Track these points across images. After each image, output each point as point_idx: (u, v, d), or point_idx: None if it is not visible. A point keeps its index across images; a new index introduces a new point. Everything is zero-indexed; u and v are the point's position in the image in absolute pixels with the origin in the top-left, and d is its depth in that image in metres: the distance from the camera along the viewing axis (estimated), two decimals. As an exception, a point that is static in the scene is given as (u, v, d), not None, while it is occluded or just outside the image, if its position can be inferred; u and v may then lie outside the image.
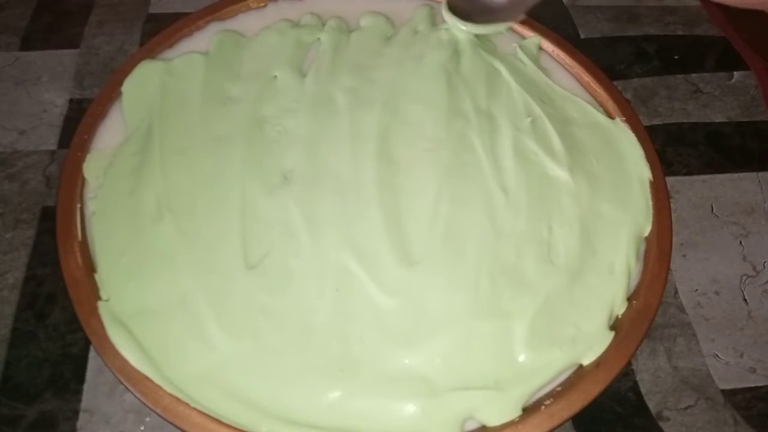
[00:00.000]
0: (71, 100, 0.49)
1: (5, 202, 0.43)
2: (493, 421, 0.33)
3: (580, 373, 0.35)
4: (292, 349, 0.34)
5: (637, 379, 0.39)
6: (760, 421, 0.38)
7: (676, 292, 0.43)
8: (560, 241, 0.38)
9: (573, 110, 0.45)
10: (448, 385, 0.33)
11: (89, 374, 0.37)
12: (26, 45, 0.52)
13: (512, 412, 0.33)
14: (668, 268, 0.38)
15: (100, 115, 0.42)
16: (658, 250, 0.39)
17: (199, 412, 0.32)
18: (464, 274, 0.36)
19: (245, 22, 0.48)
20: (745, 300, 0.43)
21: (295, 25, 0.47)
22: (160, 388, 0.32)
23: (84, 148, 0.40)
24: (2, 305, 0.39)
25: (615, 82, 0.47)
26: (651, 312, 0.37)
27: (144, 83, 0.43)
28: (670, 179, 0.45)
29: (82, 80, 0.50)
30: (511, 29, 0.49)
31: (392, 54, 0.45)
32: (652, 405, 0.38)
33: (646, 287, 0.37)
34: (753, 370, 0.40)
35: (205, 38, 0.46)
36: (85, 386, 0.37)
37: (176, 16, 0.48)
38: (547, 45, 0.48)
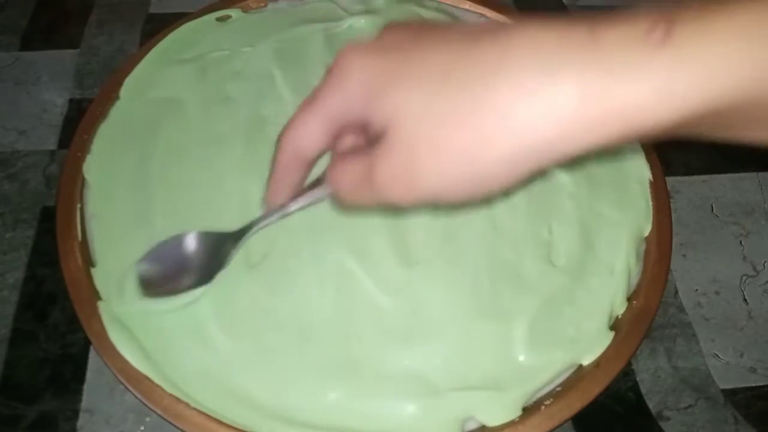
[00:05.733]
0: (71, 100, 0.49)
1: (5, 202, 0.43)
2: (493, 422, 0.33)
3: (580, 373, 0.35)
4: (292, 349, 0.34)
5: (637, 379, 0.39)
6: (761, 420, 0.38)
7: (676, 292, 0.43)
8: (560, 241, 0.38)
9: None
10: (448, 385, 0.33)
11: (89, 374, 0.37)
12: (26, 45, 0.52)
13: (512, 413, 0.33)
14: (668, 268, 0.38)
15: (100, 115, 0.42)
16: (658, 251, 0.39)
17: (199, 412, 0.32)
18: (464, 274, 0.36)
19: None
20: (745, 300, 0.43)
21: (294, 23, 0.47)
22: (160, 388, 0.32)
23: (84, 148, 0.40)
24: (2, 305, 0.39)
25: (615, 82, 0.47)
26: (651, 312, 0.37)
27: (145, 83, 0.43)
28: (670, 179, 0.45)
29: (82, 80, 0.50)
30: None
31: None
32: (652, 405, 0.38)
33: (646, 287, 0.37)
34: (753, 370, 0.40)
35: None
36: (85, 386, 0.37)
37: (176, 16, 0.48)
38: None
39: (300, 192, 0.30)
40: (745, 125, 0.21)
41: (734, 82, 0.19)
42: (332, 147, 0.28)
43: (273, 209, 0.31)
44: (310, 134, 0.26)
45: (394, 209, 0.29)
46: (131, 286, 0.34)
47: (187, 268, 0.34)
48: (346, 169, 0.26)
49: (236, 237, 0.34)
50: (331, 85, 0.25)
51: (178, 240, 0.34)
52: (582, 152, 0.21)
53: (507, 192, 0.39)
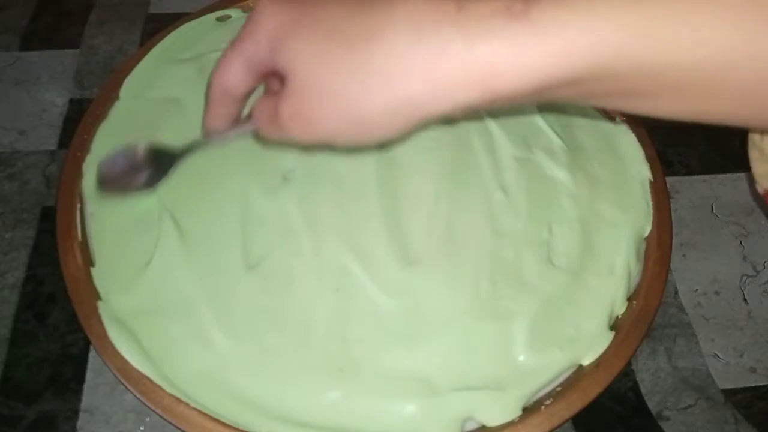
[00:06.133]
0: (71, 100, 0.49)
1: (5, 202, 0.43)
2: (493, 422, 0.33)
3: (580, 373, 0.35)
4: (292, 350, 0.34)
5: (637, 379, 0.39)
6: (761, 420, 0.38)
7: (676, 292, 0.43)
8: (560, 241, 0.38)
9: (573, 111, 0.45)
10: (448, 385, 0.33)
11: (89, 374, 0.37)
12: (26, 45, 0.52)
13: (512, 412, 0.33)
14: (668, 268, 0.38)
15: (100, 115, 0.42)
16: (658, 251, 0.39)
17: (199, 412, 0.32)
18: (464, 274, 0.36)
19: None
20: (745, 300, 0.43)
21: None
22: (159, 388, 0.32)
23: (84, 148, 0.40)
24: (2, 305, 0.39)
25: (615, 82, 0.47)
26: (651, 312, 0.37)
27: (145, 83, 0.43)
28: (670, 179, 0.45)
29: (82, 80, 0.50)
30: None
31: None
32: (652, 405, 0.38)
33: (646, 287, 0.37)
34: (753, 370, 0.40)
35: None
36: (85, 386, 0.37)
37: (176, 16, 0.48)
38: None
39: (237, 122, 0.33)
40: (611, 96, 0.23)
41: (584, 55, 0.21)
42: (264, 84, 0.32)
43: (212, 135, 0.34)
44: (233, 75, 0.29)
45: (305, 147, 0.33)
46: (92, 181, 0.38)
47: (137, 173, 0.37)
48: (263, 105, 0.29)
49: (179, 154, 0.37)
50: (246, 32, 0.28)
51: (131, 148, 0.37)
52: (454, 110, 0.24)
53: (506, 190, 0.39)
